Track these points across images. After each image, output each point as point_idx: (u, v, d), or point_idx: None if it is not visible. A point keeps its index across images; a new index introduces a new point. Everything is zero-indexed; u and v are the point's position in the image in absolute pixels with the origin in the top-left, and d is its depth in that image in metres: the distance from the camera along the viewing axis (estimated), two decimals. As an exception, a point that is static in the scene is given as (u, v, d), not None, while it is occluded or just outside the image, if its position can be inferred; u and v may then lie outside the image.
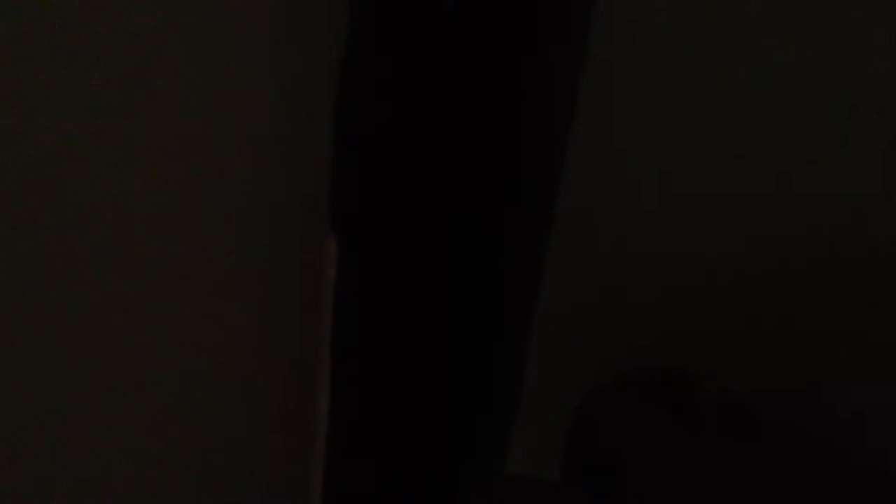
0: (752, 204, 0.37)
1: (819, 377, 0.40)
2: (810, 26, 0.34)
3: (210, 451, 0.43)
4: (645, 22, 0.35)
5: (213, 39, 0.35)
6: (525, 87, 0.32)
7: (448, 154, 0.33)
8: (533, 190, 0.35)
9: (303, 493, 0.45)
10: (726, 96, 0.36)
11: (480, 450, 0.39)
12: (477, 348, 0.36)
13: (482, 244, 0.34)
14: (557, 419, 0.41)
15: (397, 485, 0.38)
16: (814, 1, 0.34)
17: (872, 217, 0.37)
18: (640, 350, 0.40)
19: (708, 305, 0.39)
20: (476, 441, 0.38)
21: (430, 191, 0.34)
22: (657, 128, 0.36)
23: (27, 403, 0.41)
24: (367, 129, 0.33)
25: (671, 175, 0.37)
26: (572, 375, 0.41)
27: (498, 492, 0.31)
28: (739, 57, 0.35)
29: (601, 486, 0.34)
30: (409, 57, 0.32)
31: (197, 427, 0.43)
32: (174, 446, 0.43)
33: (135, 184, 0.37)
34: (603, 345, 0.40)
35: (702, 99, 0.36)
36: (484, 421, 0.38)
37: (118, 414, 0.42)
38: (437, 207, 0.34)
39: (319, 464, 0.39)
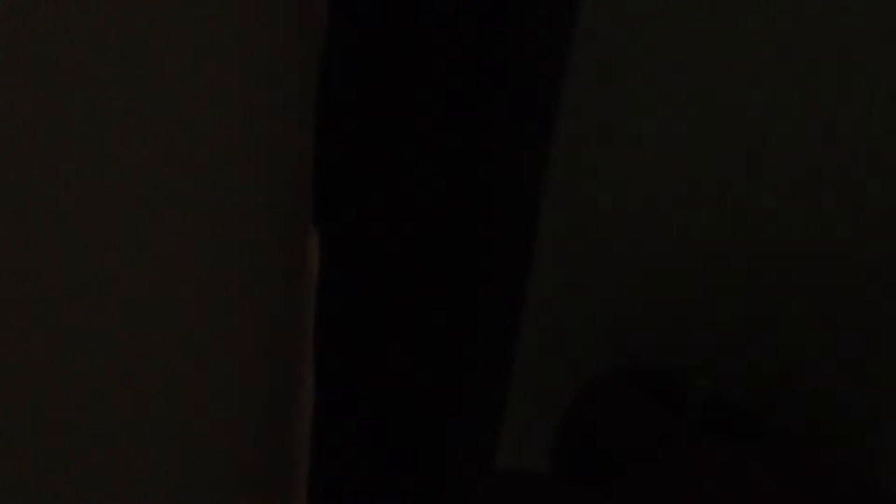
0: (741, 200, 0.37)
1: (808, 373, 0.40)
2: (810, 25, 0.34)
3: (193, 447, 0.43)
4: (634, 20, 0.35)
5: (195, 36, 0.35)
6: (508, 80, 0.32)
7: (429, 144, 0.33)
8: (519, 180, 0.35)
9: (287, 488, 0.45)
10: (711, 91, 0.35)
11: (466, 443, 0.39)
12: (460, 340, 0.36)
13: (465, 235, 0.34)
14: (546, 414, 0.41)
15: (382, 479, 0.39)
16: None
17: (865, 213, 0.37)
18: (629, 346, 0.40)
19: (697, 301, 0.39)
20: (461, 433, 0.38)
21: (413, 181, 0.33)
22: (647, 126, 0.36)
23: (13, 400, 0.42)
24: (348, 119, 0.33)
25: (660, 172, 0.37)
26: (561, 371, 0.41)
27: (494, 487, 0.31)
28: (731, 54, 0.35)
29: (591, 478, 0.34)
30: (389, 50, 0.31)
31: (179, 423, 0.43)
32: (156, 442, 0.43)
33: (117, 181, 0.37)
34: (592, 340, 0.40)
35: (692, 94, 0.36)
36: (469, 414, 0.38)
37: (99, 411, 0.42)
38: (419, 198, 0.34)
39: (304, 457, 0.39)
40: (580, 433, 0.33)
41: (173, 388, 0.42)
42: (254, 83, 0.36)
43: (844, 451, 0.40)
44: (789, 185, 0.37)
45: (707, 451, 0.31)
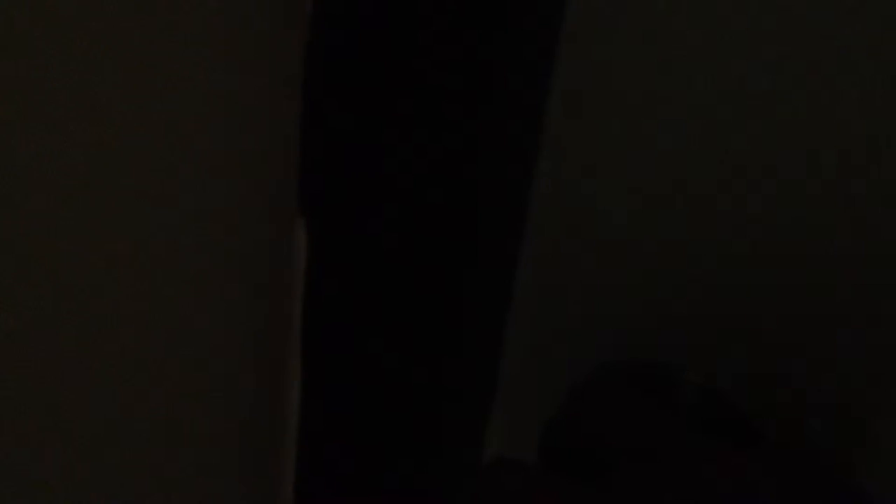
0: (733, 198, 0.37)
1: (800, 368, 0.39)
2: (809, 24, 0.34)
3: (179, 441, 0.44)
4: (632, 17, 0.35)
5: (181, 28, 0.35)
6: (494, 72, 0.32)
7: (415, 137, 0.33)
8: (507, 172, 0.35)
9: (274, 482, 0.45)
10: (707, 89, 0.35)
11: (453, 438, 0.39)
12: (447, 333, 0.36)
13: (452, 227, 0.34)
14: (535, 412, 0.41)
15: (368, 473, 0.38)
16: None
17: (859, 208, 0.36)
18: (621, 344, 0.40)
19: (688, 298, 0.39)
20: (448, 425, 0.38)
21: (399, 173, 0.33)
22: (641, 122, 0.36)
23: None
24: (334, 111, 0.33)
25: (652, 170, 0.37)
26: (551, 369, 0.41)
27: (488, 475, 0.31)
28: (727, 52, 0.35)
29: (580, 476, 0.34)
30: (374, 43, 0.31)
31: (165, 418, 0.43)
32: (140, 437, 0.43)
33: (103, 175, 0.38)
34: (581, 337, 0.40)
35: (688, 90, 0.35)
36: (456, 406, 0.38)
37: (81, 408, 0.42)
38: (405, 189, 0.33)
39: (291, 450, 0.39)
40: (571, 430, 0.33)
41: (158, 383, 0.42)
42: (240, 75, 0.36)
43: (840, 451, 0.40)
44: (787, 182, 0.37)
45: (702, 450, 0.31)
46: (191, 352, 0.42)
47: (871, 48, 0.34)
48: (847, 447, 0.40)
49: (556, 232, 0.38)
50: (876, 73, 0.35)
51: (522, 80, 0.33)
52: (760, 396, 0.39)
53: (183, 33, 0.35)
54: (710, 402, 0.36)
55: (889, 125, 0.35)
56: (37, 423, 0.43)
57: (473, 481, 0.31)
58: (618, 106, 0.36)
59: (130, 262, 0.40)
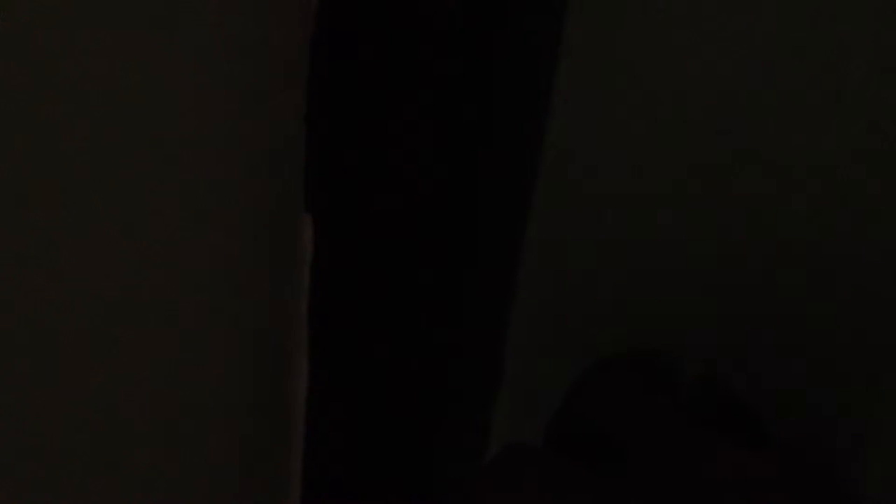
0: (731, 190, 0.37)
1: (800, 368, 0.39)
2: (809, 23, 0.34)
3: (187, 433, 0.44)
4: (633, 16, 0.35)
5: (185, 21, 0.35)
6: (497, 65, 0.32)
7: (421, 133, 0.33)
8: (511, 169, 0.35)
9: (283, 475, 0.45)
10: (704, 86, 0.35)
11: (459, 427, 0.39)
12: (452, 328, 0.36)
13: (458, 223, 0.34)
14: (538, 406, 0.41)
15: (377, 463, 0.39)
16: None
17: (859, 207, 0.36)
18: (621, 340, 0.40)
19: (688, 288, 0.39)
20: (454, 417, 0.38)
21: (405, 168, 0.34)
22: (634, 117, 0.36)
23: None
24: (340, 107, 0.33)
25: (650, 161, 0.37)
26: (552, 358, 0.40)
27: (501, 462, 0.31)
28: (727, 51, 0.35)
29: (589, 462, 0.33)
30: (380, 39, 0.32)
31: (171, 412, 0.43)
32: (144, 432, 0.43)
33: (108, 169, 0.38)
34: (582, 335, 0.40)
35: (683, 88, 0.35)
36: (461, 401, 0.38)
37: (83, 403, 0.42)
38: (411, 185, 0.34)
39: (298, 444, 0.40)
40: (578, 418, 0.33)
41: (164, 377, 0.42)
42: (245, 71, 0.36)
43: (840, 451, 0.40)
44: (787, 181, 0.37)
45: (703, 446, 0.31)
46: (195, 349, 0.42)
47: (872, 48, 0.34)
48: (847, 447, 0.40)
49: (558, 228, 0.38)
50: (876, 72, 0.34)
51: (526, 78, 0.34)
52: (760, 395, 0.39)
53: (186, 27, 0.36)
54: (707, 391, 0.36)
55: (889, 125, 0.35)
56: (35, 421, 0.43)
57: (489, 466, 0.31)
58: (618, 102, 0.36)
59: (132, 259, 0.40)
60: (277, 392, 0.42)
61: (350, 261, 0.36)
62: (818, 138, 0.36)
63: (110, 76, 0.36)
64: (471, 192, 0.34)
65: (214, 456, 0.44)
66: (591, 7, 0.35)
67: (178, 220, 0.39)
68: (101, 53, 0.36)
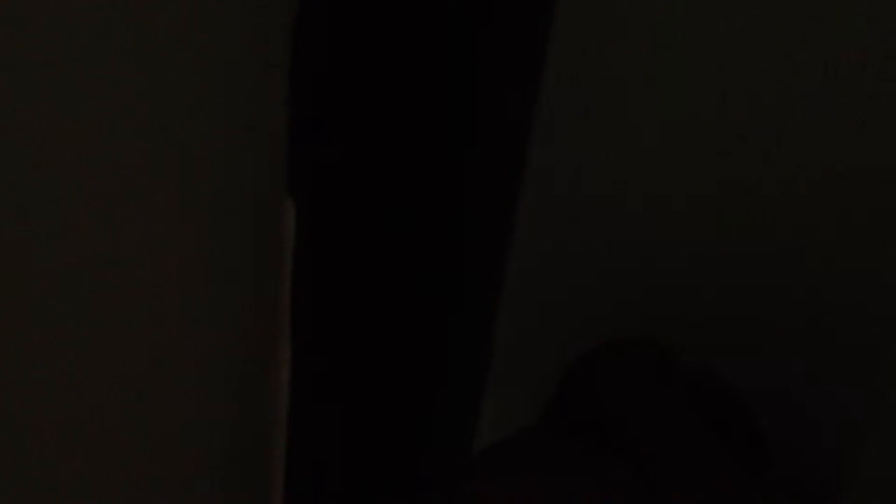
0: (733, 196, 0.37)
1: (800, 368, 0.40)
2: (809, 23, 0.34)
3: (166, 427, 0.43)
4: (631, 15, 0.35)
5: (167, 12, 0.35)
6: (484, 58, 0.32)
7: (404, 115, 0.33)
8: (497, 159, 0.35)
9: (264, 465, 0.45)
10: (699, 84, 0.36)
11: (445, 414, 0.39)
12: (435, 311, 0.36)
13: (442, 206, 0.34)
14: (525, 402, 0.42)
15: (362, 455, 0.39)
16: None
17: (859, 206, 0.37)
18: (615, 322, 0.40)
19: (683, 278, 0.39)
20: (440, 405, 0.38)
21: (388, 150, 0.33)
22: (630, 114, 0.36)
23: None
24: (321, 89, 0.33)
25: (647, 156, 0.37)
26: (543, 347, 0.41)
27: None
28: (724, 50, 0.35)
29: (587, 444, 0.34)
30: (363, 23, 0.31)
31: (153, 406, 0.43)
32: (130, 426, 0.43)
33: (92, 158, 0.37)
34: (575, 317, 0.40)
35: (677, 87, 0.36)
36: (447, 386, 0.38)
37: (63, 403, 0.42)
38: (394, 167, 0.34)
39: (282, 435, 0.39)
40: (587, 397, 0.33)
41: (145, 368, 0.42)
42: (227, 58, 0.36)
43: (840, 451, 0.40)
44: (784, 179, 0.37)
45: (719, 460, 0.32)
46: (175, 339, 0.41)
47: (871, 48, 0.34)
48: (847, 447, 0.40)
49: (548, 225, 0.39)
50: (875, 72, 0.35)
51: (512, 75, 0.33)
52: (760, 395, 0.40)
53: (167, 14, 0.35)
54: (701, 380, 0.37)
55: (889, 124, 0.35)
56: (20, 420, 0.42)
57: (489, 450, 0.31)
58: (611, 99, 0.36)
59: (108, 250, 0.39)
60: (260, 381, 0.42)
61: (333, 246, 0.35)
62: (818, 138, 0.36)
63: (92, 69, 0.36)
64: (456, 176, 0.34)
65: (196, 451, 0.44)
66: (582, 5, 0.35)
67: (156, 208, 0.39)
68: (86, 50, 0.35)
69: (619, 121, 0.37)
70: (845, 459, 0.39)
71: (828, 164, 0.36)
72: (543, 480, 0.29)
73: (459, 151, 0.33)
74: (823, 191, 0.36)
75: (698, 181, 0.37)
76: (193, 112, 0.37)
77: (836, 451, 0.40)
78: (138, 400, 0.43)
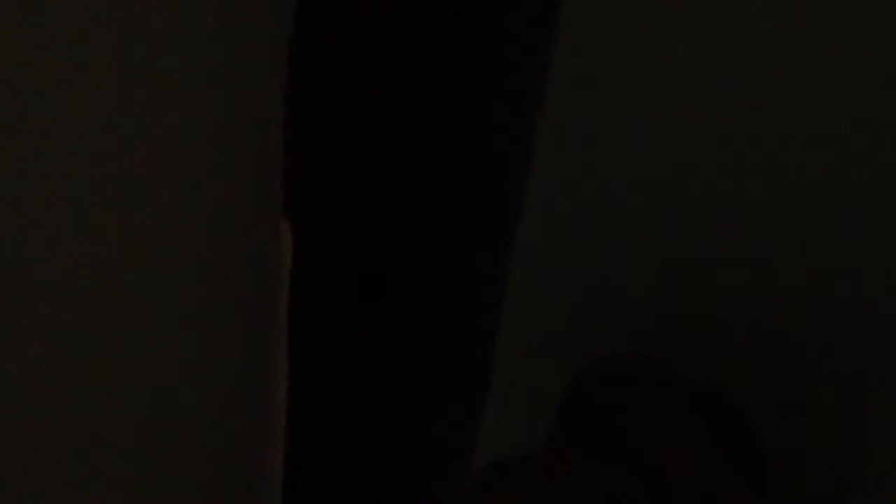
0: (733, 196, 0.37)
1: (800, 368, 0.40)
2: (809, 22, 0.34)
3: (166, 436, 0.43)
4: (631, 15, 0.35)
5: (167, 27, 0.35)
6: (481, 71, 0.32)
7: (400, 138, 0.33)
8: (494, 172, 0.35)
9: (262, 478, 0.45)
10: (696, 83, 0.36)
11: (444, 431, 0.39)
12: (433, 331, 0.36)
13: (437, 229, 0.34)
14: (527, 413, 0.42)
15: (358, 467, 0.39)
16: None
17: (859, 205, 0.37)
18: (616, 337, 0.40)
19: (681, 293, 0.39)
20: (439, 421, 0.38)
21: (383, 175, 0.33)
22: (632, 120, 0.36)
23: None
24: (318, 113, 0.33)
25: (648, 164, 0.37)
26: (545, 359, 0.41)
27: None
28: (725, 49, 0.35)
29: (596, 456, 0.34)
30: (359, 43, 0.31)
31: (151, 415, 0.43)
32: (127, 432, 0.43)
33: (90, 172, 0.37)
34: (576, 332, 0.40)
35: (674, 87, 0.36)
36: (444, 407, 0.38)
37: (60, 406, 0.42)
38: (390, 191, 0.34)
39: (279, 449, 0.39)
40: (582, 413, 0.34)
41: (144, 380, 0.42)
42: (225, 77, 0.36)
43: (840, 451, 0.40)
44: (787, 180, 0.37)
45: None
46: (174, 352, 0.41)
47: (871, 48, 0.34)
48: (847, 447, 0.40)
49: (553, 229, 0.38)
50: (876, 72, 0.35)
51: (512, 79, 0.33)
52: (759, 396, 0.40)
53: (166, 30, 0.35)
54: (699, 394, 0.37)
55: (889, 124, 0.35)
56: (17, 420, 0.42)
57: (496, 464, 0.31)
58: (617, 101, 0.36)
59: (109, 264, 0.39)
60: (258, 399, 0.42)
61: (329, 265, 0.35)
62: (818, 138, 0.36)
63: (89, 81, 0.35)
64: (455, 198, 0.34)
65: (194, 460, 0.44)
66: (586, 5, 0.35)
67: (154, 224, 0.38)
68: (83, 60, 0.35)
69: (619, 122, 0.37)
70: (845, 470, 0.40)
71: (828, 164, 0.36)
72: (553, 497, 0.29)
73: (460, 175, 0.33)
74: (824, 191, 0.36)
75: (699, 182, 0.37)
76: (188, 132, 0.37)
77: (834, 464, 0.40)
78: (137, 402, 0.43)
